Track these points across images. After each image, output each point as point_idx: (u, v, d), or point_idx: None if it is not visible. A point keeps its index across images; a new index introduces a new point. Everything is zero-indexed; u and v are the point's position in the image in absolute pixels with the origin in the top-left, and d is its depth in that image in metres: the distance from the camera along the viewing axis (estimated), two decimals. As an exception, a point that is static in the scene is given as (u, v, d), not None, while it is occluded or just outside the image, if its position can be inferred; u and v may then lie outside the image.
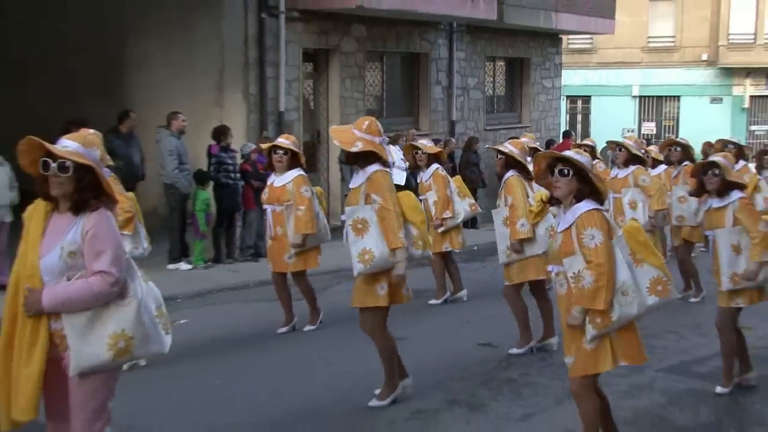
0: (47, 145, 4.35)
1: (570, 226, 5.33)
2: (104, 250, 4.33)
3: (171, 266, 12.66)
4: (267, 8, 15.28)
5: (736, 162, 11.42)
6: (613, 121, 34.90)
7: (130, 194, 8.44)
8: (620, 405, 7.05)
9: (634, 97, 37.12)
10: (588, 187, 5.35)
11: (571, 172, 5.32)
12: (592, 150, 12.06)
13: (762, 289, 7.12)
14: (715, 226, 7.07)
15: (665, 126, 36.37)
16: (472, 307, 10.38)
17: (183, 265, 12.72)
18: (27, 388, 4.31)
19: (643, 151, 11.24)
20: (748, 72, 35.84)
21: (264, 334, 9.25)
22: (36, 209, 4.48)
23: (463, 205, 10.71)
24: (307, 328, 9.46)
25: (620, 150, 10.36)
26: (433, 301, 10.82)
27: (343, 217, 6.64)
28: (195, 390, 7.39)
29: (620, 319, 5.29)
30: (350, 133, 6.61)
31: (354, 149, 6.53)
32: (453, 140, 18.74)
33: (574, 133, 28.07)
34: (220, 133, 13.11)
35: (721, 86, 36.39)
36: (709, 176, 7.09)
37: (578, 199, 5.36)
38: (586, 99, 37.49)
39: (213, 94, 15.45)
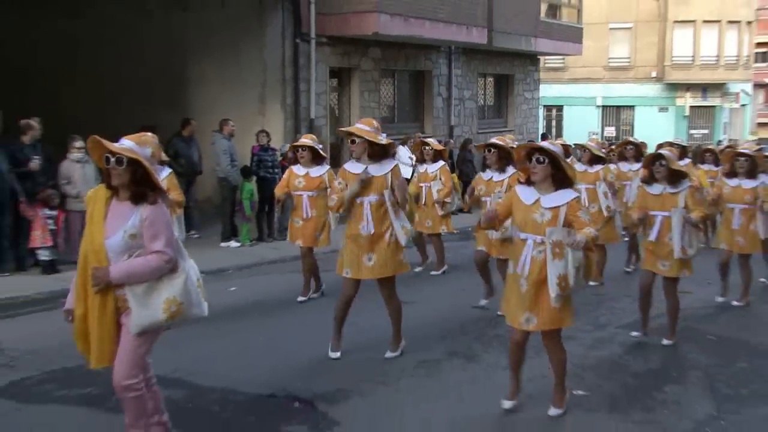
0: (106, 143, 4.33)
1: (560, 205, 5.21)
2: (159, 234, 4.34)
3: (223, 244, 12.67)
4: (300, 35, 15.27)
5: (681, 160, 11.36)
6: (581, 126, 34.77)
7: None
8: (587, 355, 7.05)
9: (598, 106, 37.01)
10: (561, 173, 5.26)
11: (546, 160, 5.23)
12: (566, 148, 11.97)
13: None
14: (669, 206, 7.04)
15: (623, 130, 36.18)
16: (467, 277, 10.29)
17: (233, 243, 12.72)
18: (103, 342, 4.37)
19: (605, 151, 11.16)
20: (688, 87, 36.09)
21: (297, 299, 9.19)
22: (97, 195, 4.44)
23: (457, 198, 10.82)
24: (300, 298, 9.13)
25: (585, 151, 10.36)
26: (434, 272, 10.80)
27: (379, 196, 6.57)
28: (243, 343, 7.40)
29: (573, 288, 5.20)
30: (367, 131, 6.52)
31: (382, 141, 6.51)
32: (452, 141, 18.71)
33: (550, 136, 28.03)
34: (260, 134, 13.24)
35: (667, 98, 36.49)
36: (657, 166, 7.11)
37: (556, 183, 5.27)
38: (560, 108, 37.36)
39: (256, 105, 15.42)
